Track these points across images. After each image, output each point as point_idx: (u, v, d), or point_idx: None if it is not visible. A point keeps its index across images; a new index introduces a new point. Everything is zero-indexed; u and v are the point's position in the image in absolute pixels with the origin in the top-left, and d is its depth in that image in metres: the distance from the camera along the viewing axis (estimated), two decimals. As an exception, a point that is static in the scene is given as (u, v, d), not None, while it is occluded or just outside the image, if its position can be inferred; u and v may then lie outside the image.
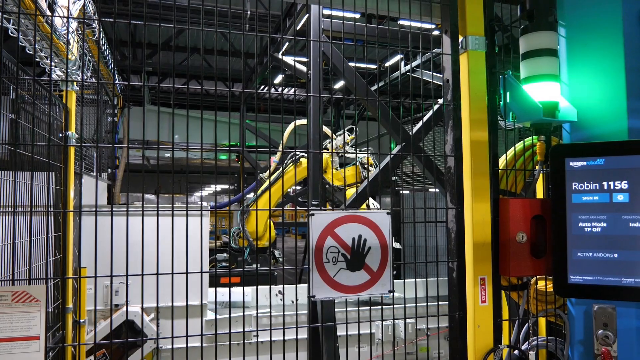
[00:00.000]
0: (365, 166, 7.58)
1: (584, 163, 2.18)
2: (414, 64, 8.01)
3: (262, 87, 14.18)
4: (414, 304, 6.38)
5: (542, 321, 2.94)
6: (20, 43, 3.53)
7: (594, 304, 2.21)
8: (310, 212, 2.10)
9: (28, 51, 4.00)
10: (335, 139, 7.43)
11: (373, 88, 9.47)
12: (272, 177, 7.74)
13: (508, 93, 2.42)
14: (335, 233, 2.14)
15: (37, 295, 1.81)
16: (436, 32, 2.88)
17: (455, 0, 2.38)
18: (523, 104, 2.35)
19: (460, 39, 2.40)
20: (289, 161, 7.58)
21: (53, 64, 4.20)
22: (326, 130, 7.41)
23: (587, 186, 2.17)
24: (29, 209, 2.02)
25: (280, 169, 7.89)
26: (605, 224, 2.14)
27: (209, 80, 13.80)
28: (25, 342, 1.83)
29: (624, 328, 2.20)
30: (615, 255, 2.13)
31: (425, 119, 5.84)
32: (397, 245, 8.20)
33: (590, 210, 2.17)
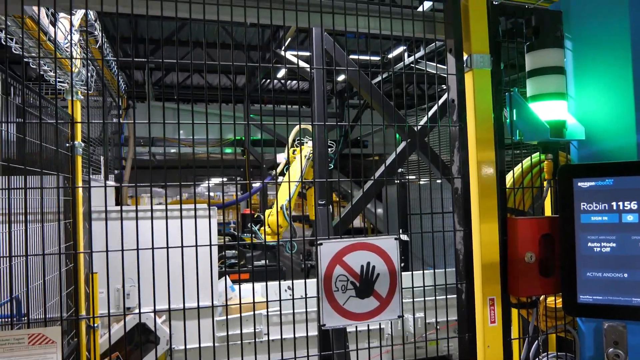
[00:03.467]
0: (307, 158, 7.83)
1: (593, 183, 2.16)
2: (418, 55, 7.92)
3: (266, 80, 14.12)
4: (422, 298, 6.42)
5: (552, 337, 2.95)
6: (24, 60, 3.54)
7: (604, 322, 2.21)
8: (318, 242, 2.11)
9: (32, 66, 4.02)
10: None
11: (376, 80, 9.39)
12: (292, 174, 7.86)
13: (514, 110, 2.40)
14: (343, 261, 2.14)
15: (52, 336, 1.84)
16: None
17: (459, 19, 2.34)
18: (530, 122, 2.33)
19: (465, 57, 2.36)
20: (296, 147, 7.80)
21: (57, 77, 4.22)
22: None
23: (596, 206, 2.15)
24: (39, 223, 2.04)
25: (291, 164, 7.97)
26: (614, 244, 2.13)
27: (213, 74, 13.73)
28: (43, 381, 1.86)
29: (634, 344, 2.20)
30: (625, 275, 2.12)
31: (430, 113, 5.79)
32: (404, 237, 8.21)
33: (599, 230, 2.15)
